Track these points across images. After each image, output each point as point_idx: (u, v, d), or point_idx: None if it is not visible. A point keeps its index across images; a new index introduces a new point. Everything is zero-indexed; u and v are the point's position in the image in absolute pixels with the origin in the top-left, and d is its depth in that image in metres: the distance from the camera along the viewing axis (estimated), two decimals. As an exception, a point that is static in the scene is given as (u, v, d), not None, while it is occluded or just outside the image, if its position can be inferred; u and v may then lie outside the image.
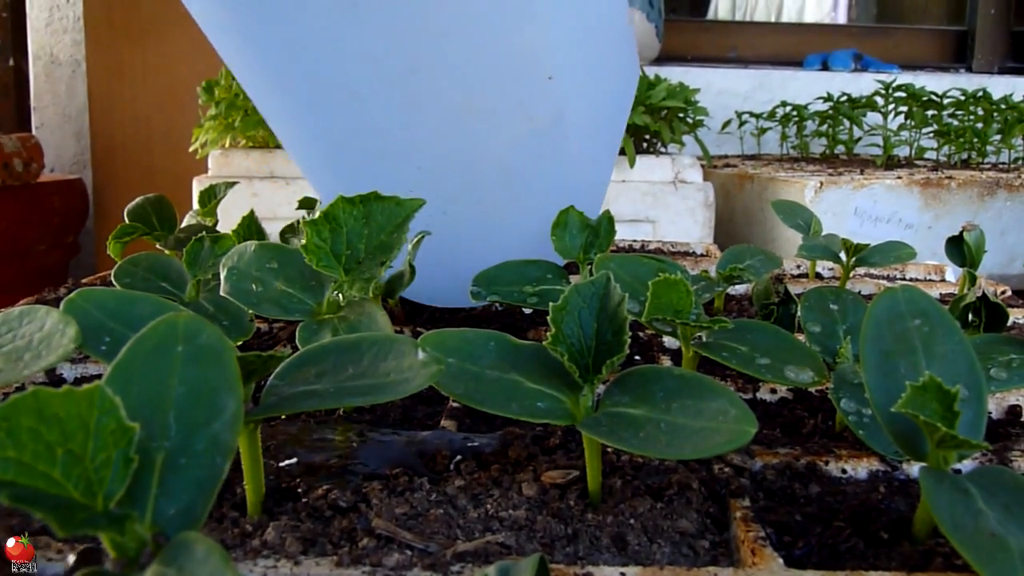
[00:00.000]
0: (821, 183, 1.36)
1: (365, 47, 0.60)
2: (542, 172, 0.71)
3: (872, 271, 0.94)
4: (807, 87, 2.21)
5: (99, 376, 0.57)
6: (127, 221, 0.76)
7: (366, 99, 0.63)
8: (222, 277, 0.51)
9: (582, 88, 0.70)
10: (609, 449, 0.44)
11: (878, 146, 1.82)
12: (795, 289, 0.67)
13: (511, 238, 0.72)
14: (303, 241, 0.49)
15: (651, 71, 1.83)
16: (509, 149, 0.67)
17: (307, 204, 0.86)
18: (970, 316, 0.59)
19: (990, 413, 0.53)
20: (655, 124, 1.46)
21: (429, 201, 0.70)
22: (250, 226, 0.74)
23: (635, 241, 1.17)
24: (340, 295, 0.50)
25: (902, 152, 1.86)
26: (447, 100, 0.63)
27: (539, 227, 0.71)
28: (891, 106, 1.87)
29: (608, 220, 0.70)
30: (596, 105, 0.74)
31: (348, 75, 0.62)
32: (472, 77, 0.63)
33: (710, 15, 2.79)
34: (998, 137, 1.79)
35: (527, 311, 0.75)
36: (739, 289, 0.87)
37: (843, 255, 0.78)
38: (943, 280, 0.97)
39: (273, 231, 0.78)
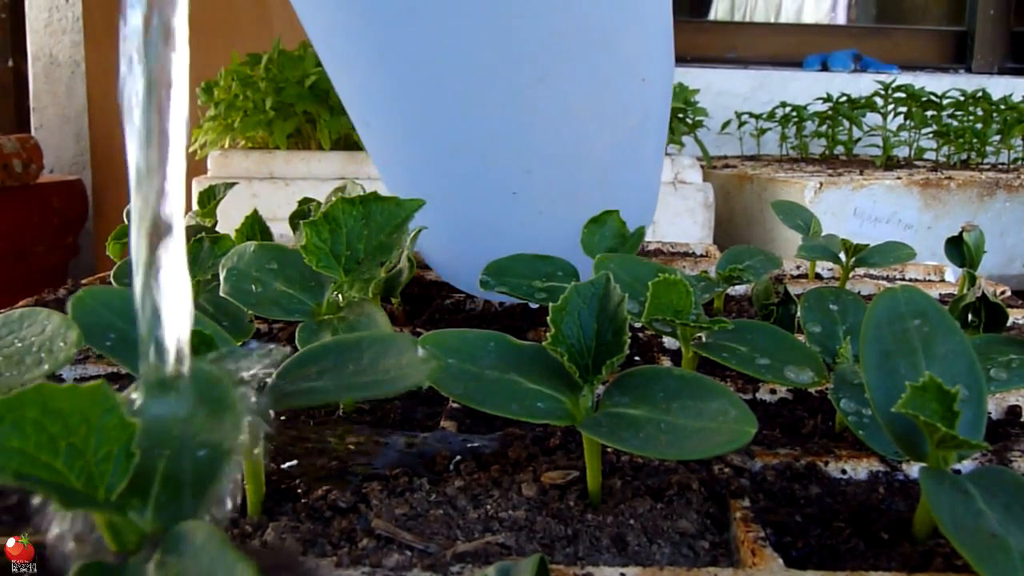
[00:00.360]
0: (821, 184, 1.36)
1: (504, 55, 0.60)
2: (628, 173, 0.72)
3: (872, 271, 0.94)
4: (807, 88, 2.21)
5: (98, 377, 0.57)
6: (127, 222, 0.76)
7: (493, 106, 0.63)
8: (222, 278, 0.51)
9: (660, 90, 0.71)
10: (609, 449, 0.44)
11: (878, 147, 1.82)
12: (795, 289, 0.67)
13: None
14: (303, 241, 0.49)
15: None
16: (607, 150, 0.68)
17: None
18: (970, 316, 0.59)
19: (990, 413, 0.53)
20: (655, 125, 1.46)
21: (529, 202, 0.71)
22: (253, 226, 0.73)
23: (635, 242, 1.17)
24: (340, 296, 0.50)
25: (901, 153, 1.86)
26: (567, 104, 0.64)
27: None
28: (890, 107, 1.87)
29: (640, 235, 0.70)
30: (664, 107, 0.76)
31: (479, 83, 0.62)
32: (590, 81, 0.63)
33: (710, 15, 2.79)
34: (998, 138, 1.79)
35: (532, 307, 0.75)
36: (739, 289, 0.87)
37: (843, 255, 0.78)
38: (943, 280, 0.97)
39: (273, 232, 0.78)
